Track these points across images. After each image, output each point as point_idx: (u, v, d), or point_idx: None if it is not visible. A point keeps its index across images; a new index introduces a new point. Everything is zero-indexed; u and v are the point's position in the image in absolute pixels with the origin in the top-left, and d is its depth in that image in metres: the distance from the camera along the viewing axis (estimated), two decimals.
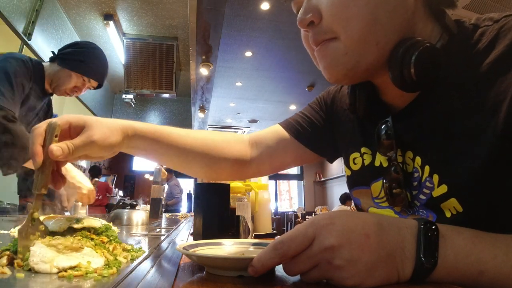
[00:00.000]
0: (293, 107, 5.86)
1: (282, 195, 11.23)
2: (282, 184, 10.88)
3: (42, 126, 0.50)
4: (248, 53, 3.89)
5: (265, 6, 2.93)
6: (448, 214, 0.47)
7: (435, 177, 0.48)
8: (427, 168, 0.49)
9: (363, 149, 0.61)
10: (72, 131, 0.52)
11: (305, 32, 0.51)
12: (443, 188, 0.47)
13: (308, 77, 4.52)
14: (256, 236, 1.04)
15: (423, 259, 0.36)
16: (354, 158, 0.63)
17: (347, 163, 0.66)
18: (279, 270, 0.49)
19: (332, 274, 0.35)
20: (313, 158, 0.74)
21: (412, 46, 0.44)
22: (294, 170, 10.36)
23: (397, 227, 0.37)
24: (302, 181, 10.19)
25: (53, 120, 0.50)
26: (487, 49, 0.44)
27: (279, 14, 3.03)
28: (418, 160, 0.50)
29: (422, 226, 0.37)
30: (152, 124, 0.62)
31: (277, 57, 3.97)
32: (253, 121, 6.75)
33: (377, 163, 0.58)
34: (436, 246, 0.36)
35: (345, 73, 0.48)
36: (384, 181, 0.54)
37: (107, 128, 0.53)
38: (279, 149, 0.73)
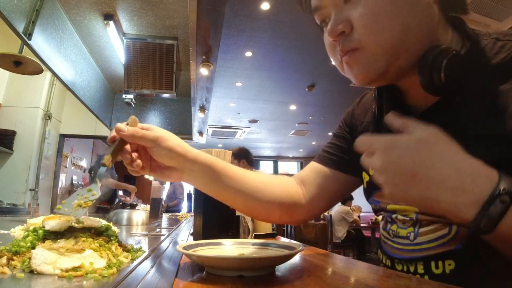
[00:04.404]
0: (293, 107, 5.85)
1: None
2: None
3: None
4: (248, 53, 3.89)
5: (265, 6, 2.92)
6: None
7: None
8: None
9: None
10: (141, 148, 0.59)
11: (333, 41, 0.52)
12: None
13: (308, 77, 4.51)
14: (256, 236, 1.04)
15: (482, 222, 0.35)
16: None
17: (366, 169, 0.66)
18: (279, 270, 0.49)
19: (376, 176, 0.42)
20: (356, 182, 0.73)
21: (442, 52, 0.46)
22: (294, 169, 10.34)
23: (474, 176, 0.37)
24: None
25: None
26: (507, 61, 0.47)
27: (279, 14, 3.03)
28: None
29: (498, 192, 0.36)
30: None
31: (277, 57, 3.97)
32: (253, 121, 6.74)
33: None
34: (501, 215, 0.35)
35: (378, 76, 0.51)
36: None
37: (172, 136, 0.59)
38: (326, 185, 0.72)
